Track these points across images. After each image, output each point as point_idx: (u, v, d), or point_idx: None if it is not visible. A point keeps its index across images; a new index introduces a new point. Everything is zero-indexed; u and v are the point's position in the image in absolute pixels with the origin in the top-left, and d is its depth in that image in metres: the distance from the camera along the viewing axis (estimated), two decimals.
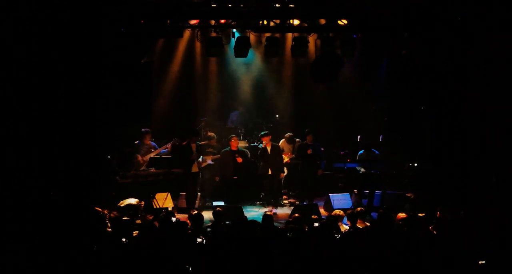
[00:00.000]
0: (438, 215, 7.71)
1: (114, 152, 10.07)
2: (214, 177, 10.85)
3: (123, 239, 6.23)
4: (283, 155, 10.80)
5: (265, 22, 9.19)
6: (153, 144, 10.70)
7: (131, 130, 10.56)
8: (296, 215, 7.72)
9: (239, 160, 10.31)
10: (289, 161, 11.04)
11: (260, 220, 7.39)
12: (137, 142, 10.40)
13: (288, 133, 11.31)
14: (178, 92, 12.80)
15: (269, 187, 10.52)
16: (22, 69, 7.61)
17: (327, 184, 11.14)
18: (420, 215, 7.99)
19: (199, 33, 9.56)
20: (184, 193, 10.15)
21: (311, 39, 9.71)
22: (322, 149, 11.12)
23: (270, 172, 10.39)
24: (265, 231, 6.64)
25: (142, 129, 10.50)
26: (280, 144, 10.95)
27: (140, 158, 10.11)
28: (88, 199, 8.09)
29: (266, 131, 10.77)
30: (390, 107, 9.57)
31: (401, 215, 8.00)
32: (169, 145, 10.65)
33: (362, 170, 10.31)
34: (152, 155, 10.43)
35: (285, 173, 10.97)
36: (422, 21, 8.77)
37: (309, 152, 10.33)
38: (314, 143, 10.57)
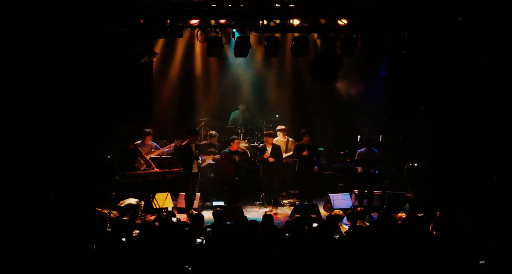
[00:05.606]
0: (438, 215, 7.72)
1: (115, 152, 10.10)
2: (215, 177, 10.84)
3: (123, 239, 6.24)
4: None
5: (265, 22, 9.18)
6: (154, 144, 10.73)
7: (131, 130, 10.58)
8: (296, 215, 7.73)
9: (237, 158, 10.31)
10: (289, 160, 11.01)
11: (260, 220, 7.40)
12: (138, 141, 10.41)
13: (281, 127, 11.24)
14: (178, 92, 12.81)
15: (269, 187, 10.52)
16: (23, 70, 7.61)
17: (327, 184, 11.14)
18: (419, 215, 8.00)
19: (199, 33, 9.54)
20: (184, 193, 10.15)
21: (311, 39, 9.69)
22: (321, 148, 11.11)
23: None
24: (265, 231, 6.64)
25: (145, 130, 10.52)
26: (276, 141, 10.87)
27: (145, 155, 10.10)
28: (88, 199, 8.09)
29: (271, 132, 10.77)
30: (390, 107, 9.55)
31: (401, 215, 8.02)
32: (172, 145, 10.67)
33: (360, 169, 10.31)
34: (153, 155, 10.45)
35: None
36: (422, 21, 8.77)
37: (305, 153, 10.30)
38: (312, 143, 10.55)
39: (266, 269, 5.41)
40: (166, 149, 10.75)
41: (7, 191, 7.30)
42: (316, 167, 10.48)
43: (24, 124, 7.63)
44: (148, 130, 10.55)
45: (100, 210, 8.49)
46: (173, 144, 10.68)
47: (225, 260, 5.48)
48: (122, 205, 9.21)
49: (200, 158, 10.29)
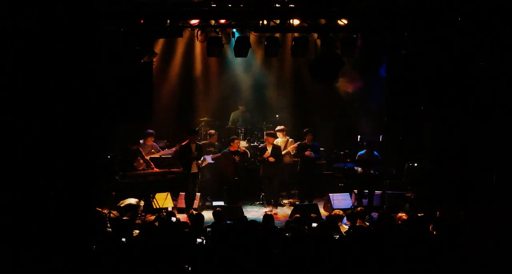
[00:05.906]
0: (438, 215, 7.72)
1: (116, 152, 10.10)
2: (214, 176, 10.81)
3: (123, 239, 6.24)
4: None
5: (265, 22, 9.19)
6: (155, 144, 10.74)
7: (131, 130, 10.58)
8: (296, 215, 7.73)
9: (236, 158, 10.31)
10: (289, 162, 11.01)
11: (260, 220, 7.40)
12: (140, 141, 10.41)
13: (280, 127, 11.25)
14: (178, 92, 12.82)
15: (269, 187, 10.52)
16: (23, 70, 7.62)
17: (327, 184, 11.14)
18: (420, 215, 8.01)
19: (199, 33, 9.54)
20: (184, 193, 10.14)
21: (311, 39, 9.69)
22: (322, 149, 11.11)
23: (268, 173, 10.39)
24: (265, 231, 6.65)
25: (148, 131, 10.52)
26: (277, 142, 10.83)
27: (145, 157, 10.10)
28: (88, 199, 8.09)
29: (272, 132, 10.79)
30: (390, 107, 9.56)
31: (401, 215, 8.02)
32: (173, 149, 10.68)
33: (360, 170, 10.30)
34: (155, 155, 10.44)
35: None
36: (422, 21, 8.78)
37: (308, 153, 10.30)
38: (314, 143, 10.56)
39: (266, 269, 5.41)
40: (167, 152, 10.76)
41: (7, 191, 7.30)
42: (312, 155, 10.39)
43: (24, 124, 7.63)
44: (151, 131, 10.56)
45: (100, 210, 8.49)
46: (173, 148, 10.68)
47: (225, 260, 5.48)
48: (122, 205, 9.22)
49: (202, 157, 10.28)
